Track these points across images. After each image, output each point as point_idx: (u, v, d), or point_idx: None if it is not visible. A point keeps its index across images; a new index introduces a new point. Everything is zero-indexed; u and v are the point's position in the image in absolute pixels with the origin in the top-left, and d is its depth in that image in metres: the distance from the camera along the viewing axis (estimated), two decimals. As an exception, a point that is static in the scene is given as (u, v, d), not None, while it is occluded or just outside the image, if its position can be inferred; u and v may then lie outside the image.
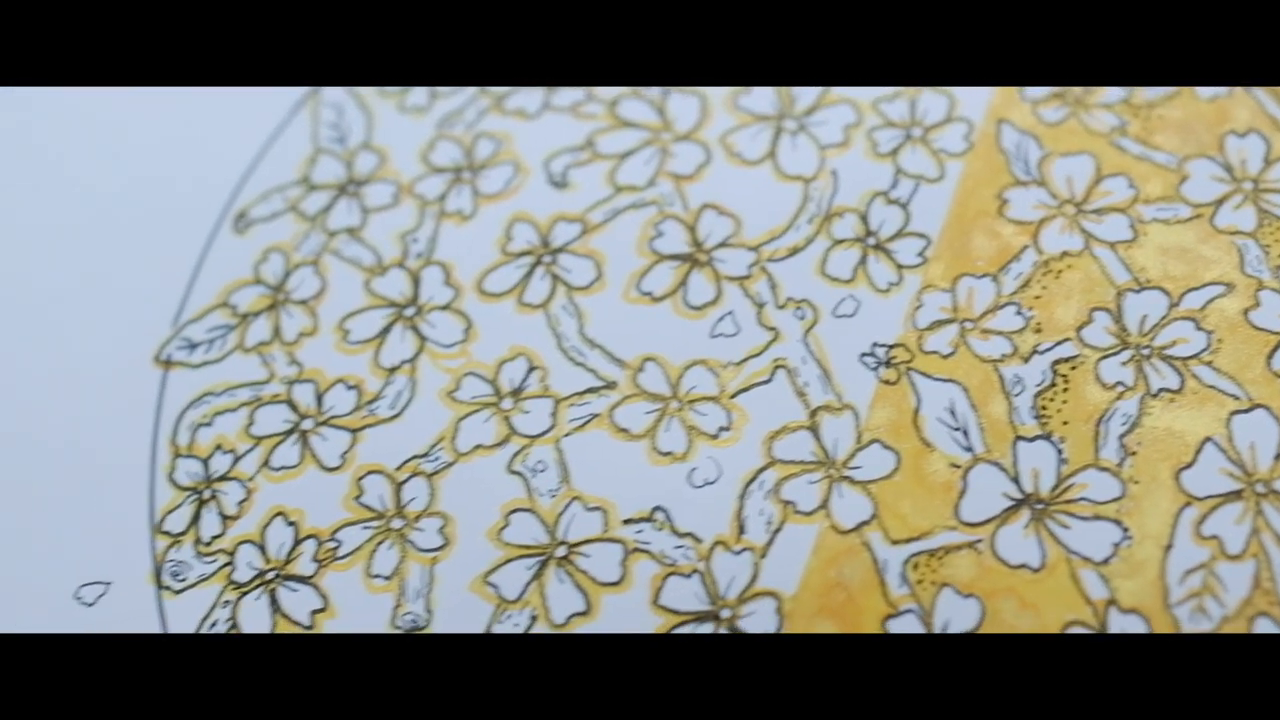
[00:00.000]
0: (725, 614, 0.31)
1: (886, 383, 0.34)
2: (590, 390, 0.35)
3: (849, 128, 0.38)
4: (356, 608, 0.32)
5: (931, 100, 0.38)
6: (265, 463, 0.35)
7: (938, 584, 0.31)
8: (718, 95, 0.39)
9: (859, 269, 0.36)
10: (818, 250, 0.36)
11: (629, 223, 0.37)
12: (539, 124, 0.39)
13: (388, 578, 0.33)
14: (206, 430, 0.35)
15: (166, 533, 0.34)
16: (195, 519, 0.34)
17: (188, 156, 0.40)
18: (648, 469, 0.33)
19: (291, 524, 0.34)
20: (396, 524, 0.33)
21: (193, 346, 0.36)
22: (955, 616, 0.31)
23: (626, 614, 0.32)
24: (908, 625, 0.31)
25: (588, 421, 0.34)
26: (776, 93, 0.39)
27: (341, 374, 0.36)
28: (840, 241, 0.36)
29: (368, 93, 0.40)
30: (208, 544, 0.34)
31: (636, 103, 0.39)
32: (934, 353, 0.34)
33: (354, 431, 0.35)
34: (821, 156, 0.38)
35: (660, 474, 0.33)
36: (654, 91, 0.39)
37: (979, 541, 0.32)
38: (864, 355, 0.34)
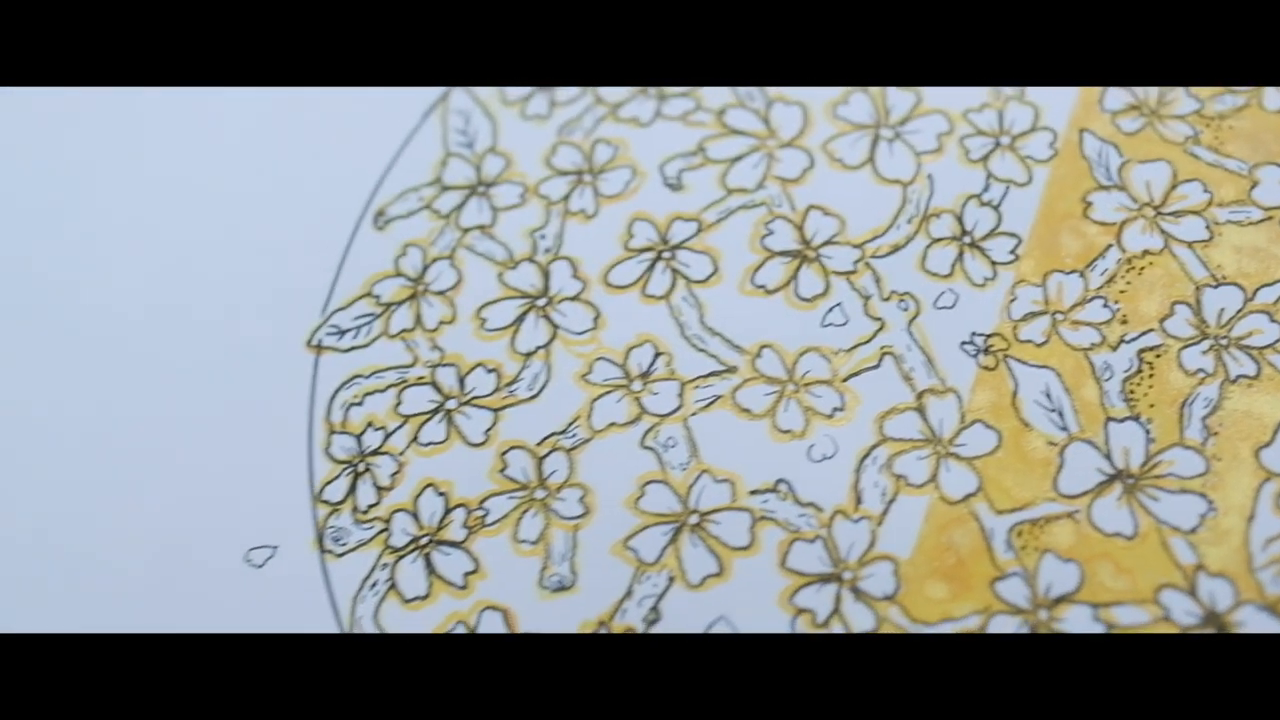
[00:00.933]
0: (847, 575, 0.32)
1: (986, 369, 0.35)
2: (713, 374, 0.36)
3: (942, 135, 0.39)
4: (505, 570, 0.33)
5: (1018, 111, 0.39)
6: (414, 439, 0.35)
7: (1040, 550, 0.32)
8: (817, 105, 0.40)
9: (956, 265, 0.37)
10: (917, 247, 0.37)
11: (741, 222, 0.38)
12: (652, 131, 0.40)
13: (534, 542, 0.34)
14: (357, 409, 0.36)
15: (326, 501, 0.35)
16: (352, 489, 0.35)
17: (330, 159, 0.41)
18: (770, 445, 0.34)
19: (441, 494, 0.35)
20: (539, 494, 0.34)
21: (341, 333, 0.37)
22: (1057, 580, 0.32)
23: (756, 575, 0.33)
24: (1014, 587, 0.32)
25: (712, 402, 0.35)
26: (872, 103, 0.40)
27: (481, 358, 0.37)
28: (938, 240, 0.37)
29: (492, 101, 0.41)
30: (364, 512, 0.35)
31: (742, 112, 0.40)
32: (1028, 341, 0.35)
33: (495, 411, 0.36)
34: (917, 162, 0.38)
35: (781, 450, 0.34)
36: (758, 102, 0.40)
37: (1076, 512, 0.33)
38: (964, 343, 0.35)
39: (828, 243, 0.38)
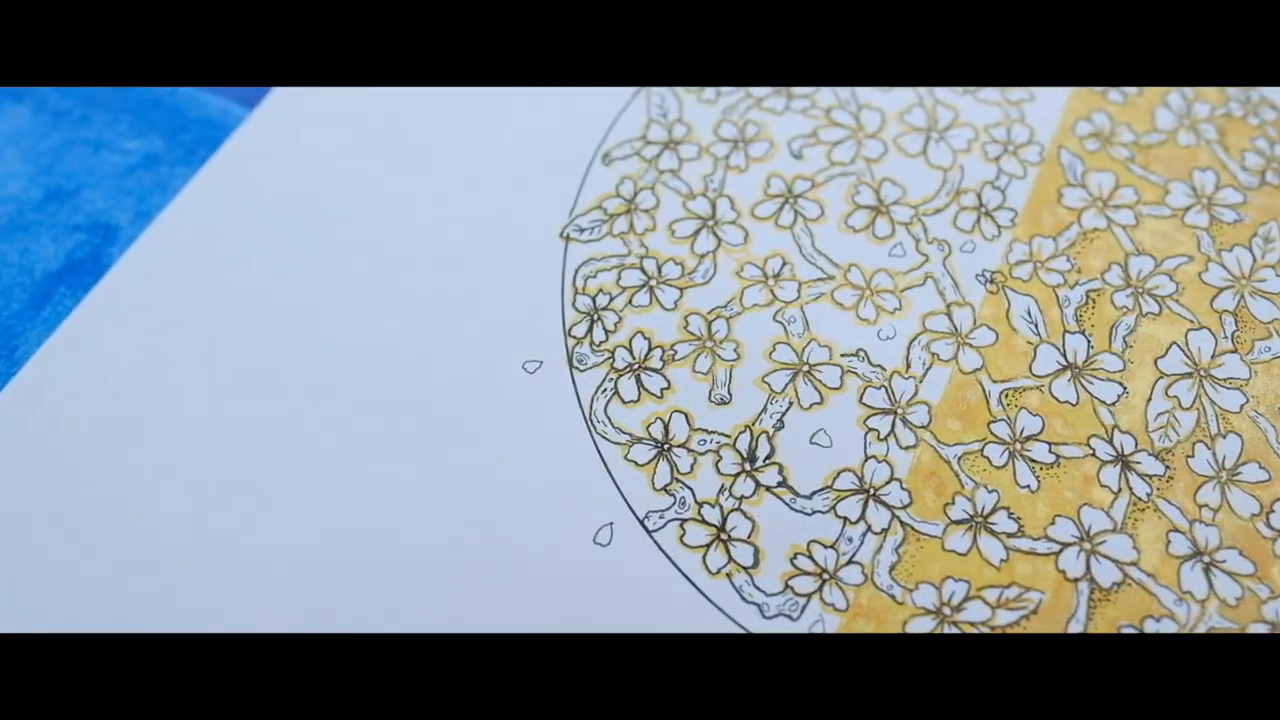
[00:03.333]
0: (899, 411, 0.35)
1: (990, 293, 0.37)
2: (819, 279, 0.38)
3: (970, 141, 0.41)
4: (687, 388, 0.36)
5: (1020, 129, 0.41)
6: (629, 302, 0.37)
7: (1018, 406, 0.35)
8: (891, 112, 0.41)
9: (975, 225, 0.39)
10: (952, 211, 0.39)
11: (839, 184, 0.40)
12: (783, 118, 0.41)
13: (705, 373, 0.36)
14: (593, 280, 0.38)
15: (574, 336, 0.37)
16: (589, 330, 0.37)
17: (577, 122, 0.42)
18: (854, 327, 0.37)
19: (646, 338, 0.37)
20: (709, 344, 0.36)
21: (582, 230, 0.39)
22: (1027, 426, 0.35)
23: (843, 407, 0.35)
24: (1001, 428, 0.35)
25: (819, 297, 0.37)
26: (926, 115, 0.41)
27: (671, 255, 0.38)
28: (965, 208, 0.39)
29: (679, 88, 0.42)
30: (598, 345, 0.36)
31: (842, 112, 0.42)
32: (1018, 278, 0.38)
33: (681, 289, 0.38)
34: (954, 156, 0.41)
35: (861, 330, 0.37)
36: (852, 106, 0.42)
37: (1042, 386, 0.36)
38: (978, 275, 0.38)
39: (895, 203, 0.40)
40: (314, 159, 0.41)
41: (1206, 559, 0.33)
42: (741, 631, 0.32)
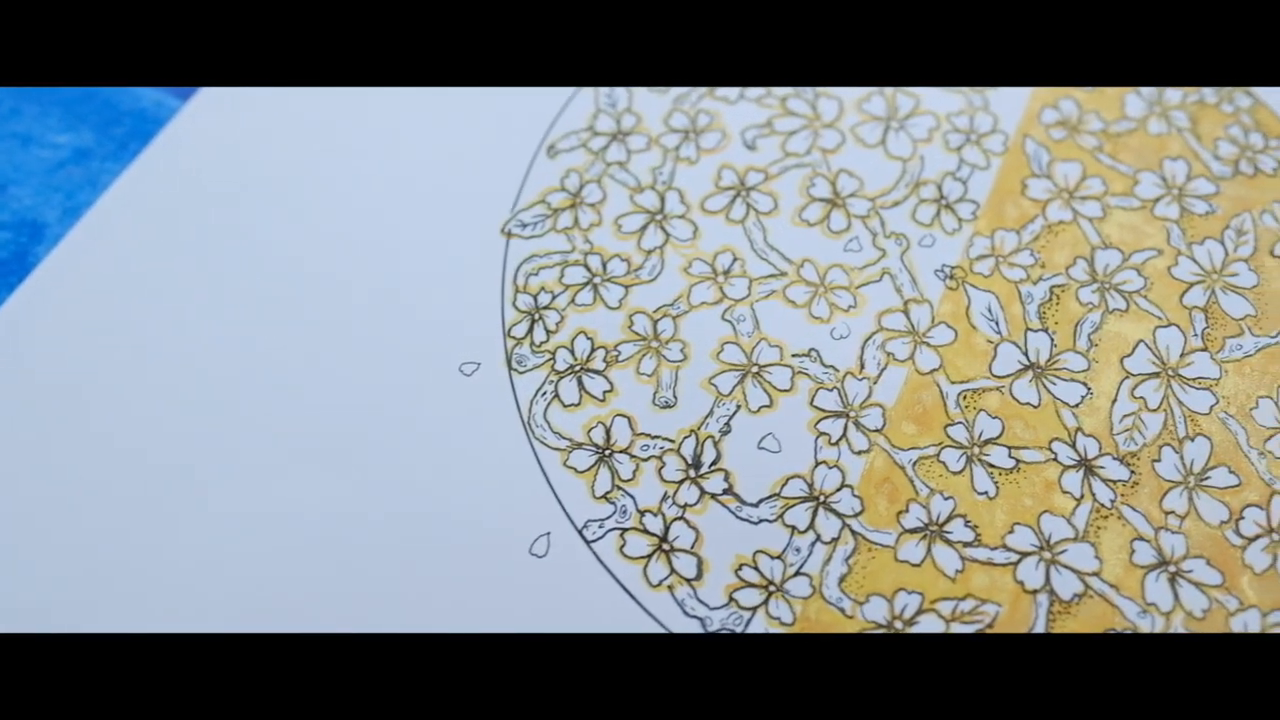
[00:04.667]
0: (852, 414, 0.33)
1: (950, 289, 0.36)
2: (771, 275, 0.36)
3: (931, 130, 0.39)
4: (630, 391, 0.34)
5: (983, 118, 0.39)
6: (572, 300, 0.36)
7: (977, 409, 0.34)
8: (849, 100, 0.40)
9: (935, 218, 0.37)
10: (911, 204, 0.37)
11: (794, 176, 0.38)
12: (737, 107, 0.40)
13: (649, 375, 0.34)
14: (534, 278, 0.36)
15: (513, 336, 0.35)
16: (530, 330, 0.35)
17: (521, 113, 0.40)
18: (806, 326, 0.35)
19: (589, 338, 0.35)
20: (654, 344, 0.35)
21: (524, 226, 0.37)
22: (986, 429, 0.33)
23: (793, 409, 0.34)
24: (958, 431, 0.33)
25: (769, 294, 0.36)
26: (886, 103, 0.40)
27: (617, 251, 0.37)
28: (924, 200, 0.38)
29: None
30: (538, 346, 0.35)
31: (798, 101, 0.40)
32: (979, 273, 0.36)
33: (626, 287, 0.36)
34: (914, 146, 0.39)
35: (814, 329, 0.35)
36: (809, 94, 0.40)
37: (1003, 386, 0.34)
38: (937, 271, 0.36)
39: (852, 195, 0.38)
40: (248, 155, 0.39)
41: (1172, 569, 0.32)
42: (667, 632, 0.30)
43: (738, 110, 0.40)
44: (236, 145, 0.39)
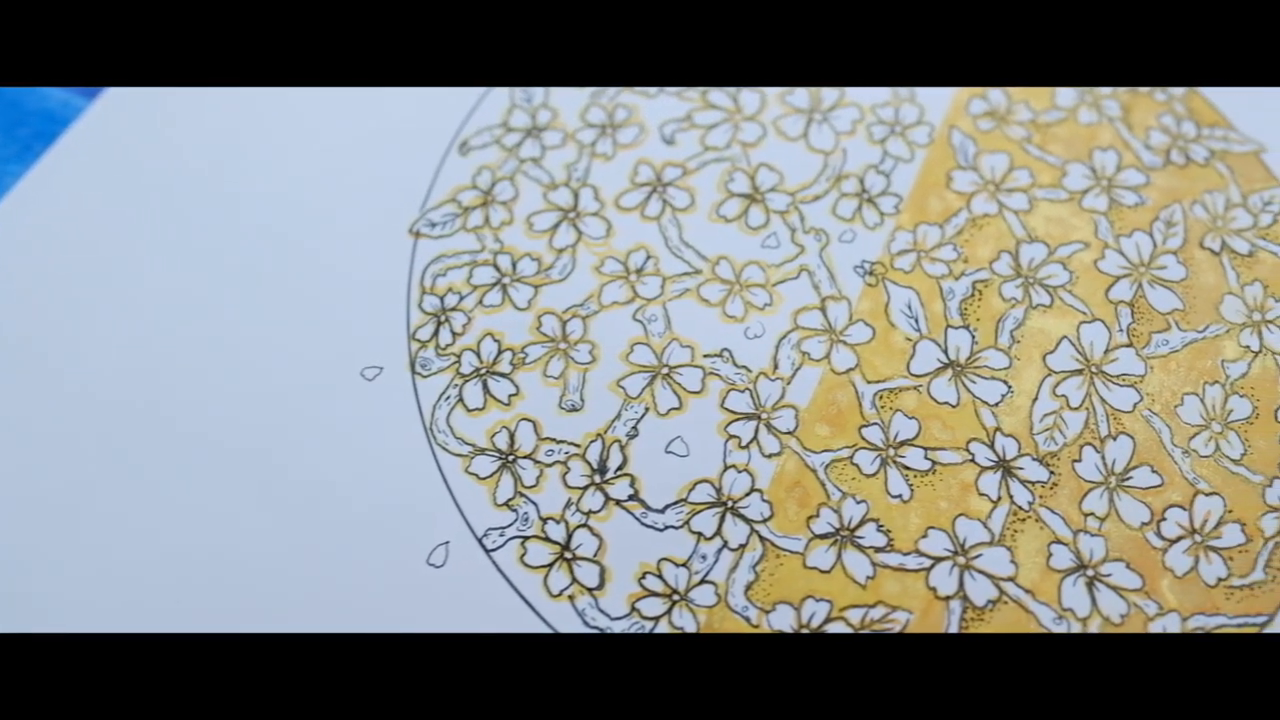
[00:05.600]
0: (764, 416, 0.32)
1: (869, 285, 0.35)
2: (685, 273, 0.35)
3: (855, 122, 0.38)
4: (536, 394, 0.33)
5: (909, 109, 0.38)
6: (480, 301, 0.35)
7: (893, 409, 0.33)
8: (771, 93, 0.39)
9: (857, 213, 0.36)
10: (831, 199, 0.36)
11: (712, 170, 0.37)
12: (656, 100, 0.39)
13: (556, 377, 0.33)
14: (442, 279, 0.35)
15: (418, 340, 0.34)
16: (435, 333, 0.34)
17: (433, 109, 0.38)
18: (720, 325, 0.34)
19: (496, 340, 0.34)
20: (563, 346, 0.34)
21: (433, 225, 0.36)
22: (903, 429, 0.32)
23: (703, 411, 0.32)
24: (874, 432, 0.32)
25: (683, 293, 0.35)
26: (809, 95, 0.39)
27: (528, 250, 0.36)
28: (846, 194, 0.37)
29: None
30: (443, 349, 0.34)
31: (719, 93, 0.39)
32: (900, 269, 0.35)
33: (536, 287, 0.35)
34: (837, 139, 0.38)
35: (728, 328, 0.34)
36: (730, 87, 0.39)
37: (920, 386, 0.33)
38: (856, 267, 0.35)
39: (771, 190, 0.37)
40: (155, 156, 0.38)
41: (1090, 573, 0.31)
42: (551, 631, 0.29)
43: (657, 104, 0.39)
44: (143, 146, 0.38)
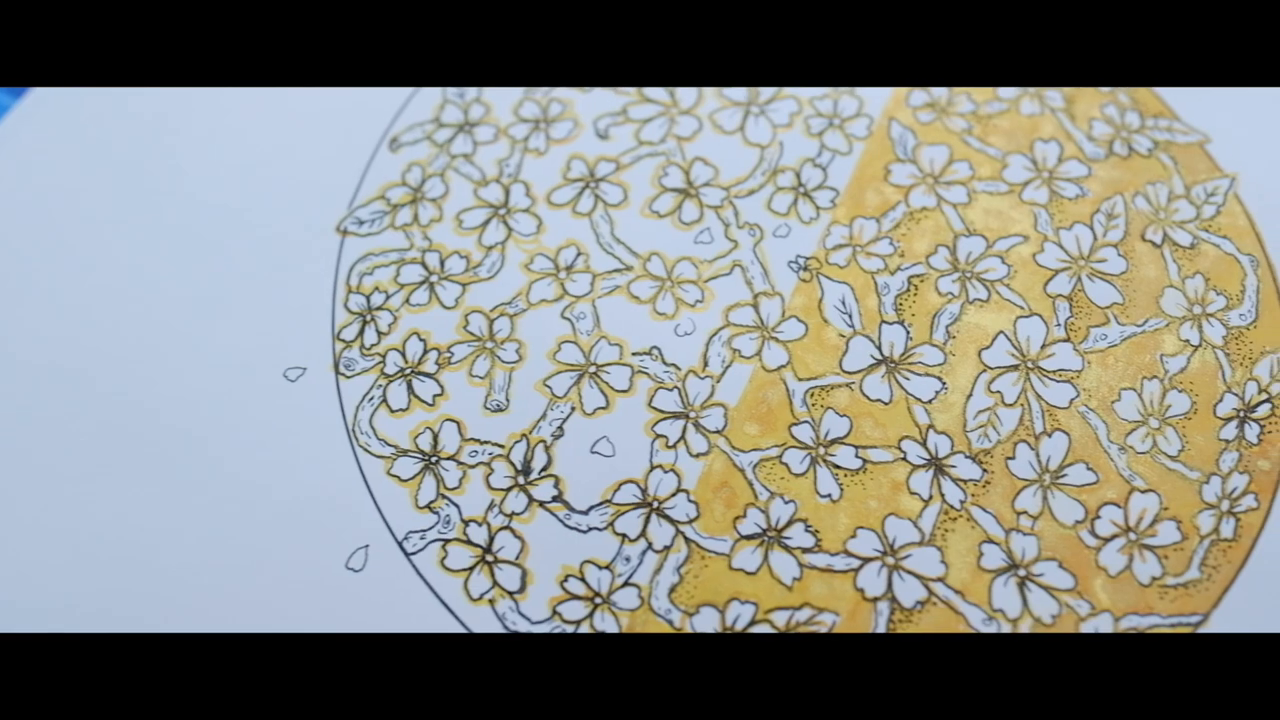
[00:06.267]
0: (692, 414, 0.32)
1: (803, 281, 0.34)
2: (616, 270, 0.35)
3: (793, 114, 0.37)
4: (461, 394, 0.33)
5: (848, 102, 0.37)
6: (406, 300, 0.34)
7: (825, 407, 0.32)
8: (709, 86, 0.38)
9: (792, 207, 0.35)
10: (767, 193, 0.36)
11: (646, 165, 0.37)
12: (591, 95, 0.38)
13: (482, 377, 0.33)
14: (369, 277, 0.35)
15: (342, 340, 0.34)
16: (361, 332, 0.34)
17: (364, 105, 0.38)
18: (649, 322, 0.34)
19: (422, 340, 0.34)
20: (489, 345, 0.33)
21: (361, 223, 0.36)
22: (834, 427, 0.32)
23: (630, 411, 0.32)
24: (804, 431, 0.32)
25: (613, 290, 0.34)
26: (748, 88, 0.38)
27: (457, 248, 0.35)
28: (781, 188, 0.36)
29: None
30: (368, 349, 0.33)
31: (655, 87, 0.38)
32: (835, 264, 0.34)
33: (464, 285, 0.34)
34: (774, 132, 0.37)
35: (657, 326, 0.34)
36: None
37: (853, 383, 0.33)
38: (791, 262, 0.35)
39: (705, 184, 0.36)
40: (82, 155, 0.37)
41: (1022, 572, 0.30)
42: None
43: (592, 98, 0.38)
44: (69, 146, 0.38)
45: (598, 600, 0.30)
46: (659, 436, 0.32)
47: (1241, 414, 0.32)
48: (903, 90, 0.38)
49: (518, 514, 0.31)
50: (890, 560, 0.30)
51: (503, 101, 0.38)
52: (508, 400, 0.33)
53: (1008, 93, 0.38)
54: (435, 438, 0.32)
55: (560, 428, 0.32)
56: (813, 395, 0.33)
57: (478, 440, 0.32)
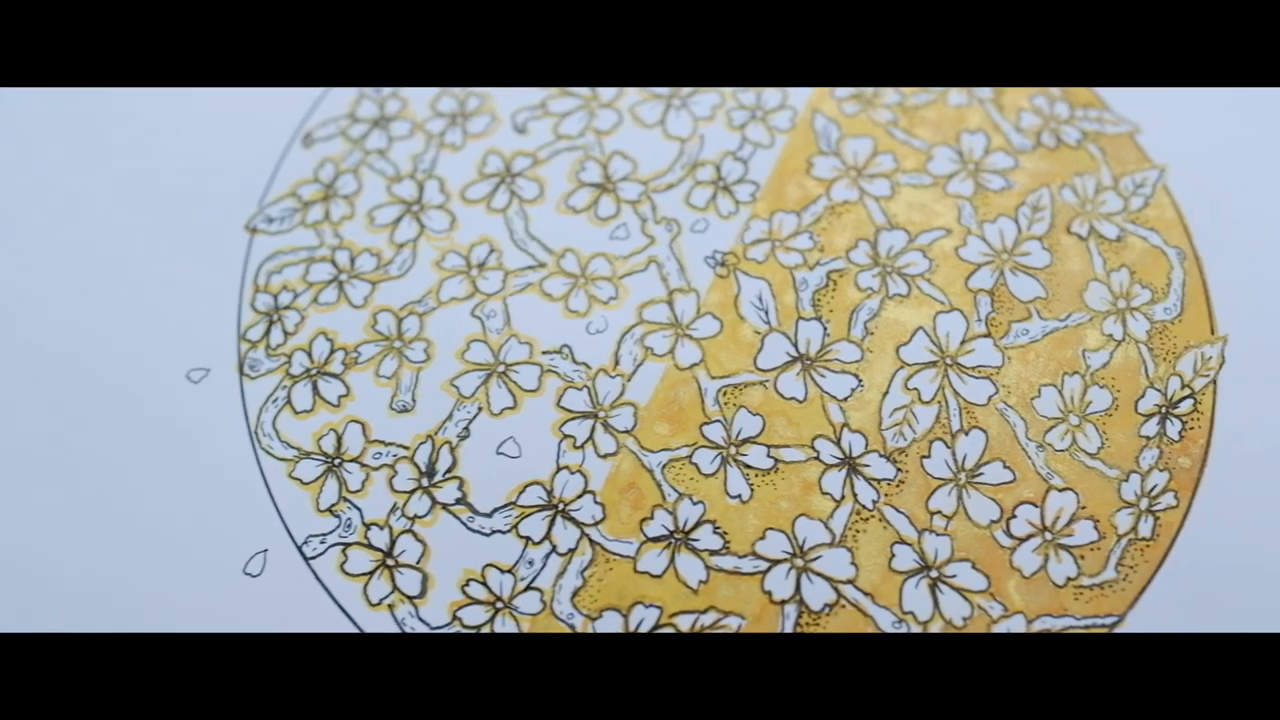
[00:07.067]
0: (601, 414, 0.31)
1: (720, 276, 0.34)
2: (529, 267, 0.34)
3: (715, 107, 0.37)
4: (367, 395, 0.32)
5: (771, 94, 0.37)
6: (314, 299, 0.34)
7: (737, 405, 0.32)
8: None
9: (711, 202, 0.35)
10: (685, 187, 0.35)
11: (564, 160, 0.36)
12: (510, 88, 0.37)
13: (389, 377, 0.32)
14: (277, 276, 0.34)
15: (248, 340, 0.33)
16: (267, 332, 0.33)
17: (278, 100, 0.37)
18: (561, 320, 0.33)
19: (329, 340, 0.33)
20: (397, 344, 0.33)
21: (270, 220, 0.35)
22: (746, 426, 0.31)
23: (540, 410, 0.32)
24: (715, 430, 0.31)
25: (525, 287, 0.34)
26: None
27: (368, 246, 0.35)
28: (700, 182, 0.35)
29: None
30: (274, 349, 0.33)
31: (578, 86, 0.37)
32: (753, 259, 0.34)
33: (373, 284, 0.34)
34: (695, 125, 0.36)
35: (569, 324, 0.33)
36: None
37: (767, 381, 0.32)
38: (707, 258, 0.34)
39: (623, 179, 0.36)
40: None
41: (934, 574, 0.29)
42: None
43: (511, 91, 0.38)
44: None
45: (499, 605, 0.29)
46: (566, 437, 0.32)
47: (1164, 410, 0.31)
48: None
49: (420, 517, 0.31)
50: (799, 562, 0.30)
51: (420, 96, 0.38)
52: (414, 401, 0.32)
53: (936, 83, 0.37)
54: (339, 439, 0.32)
55: (466, 428, 0.32)
56: (725, 394, 0.32)
57: (382, 442, 0.32)
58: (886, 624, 0.29)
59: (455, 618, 0.29)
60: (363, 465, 0.31)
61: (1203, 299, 0.33)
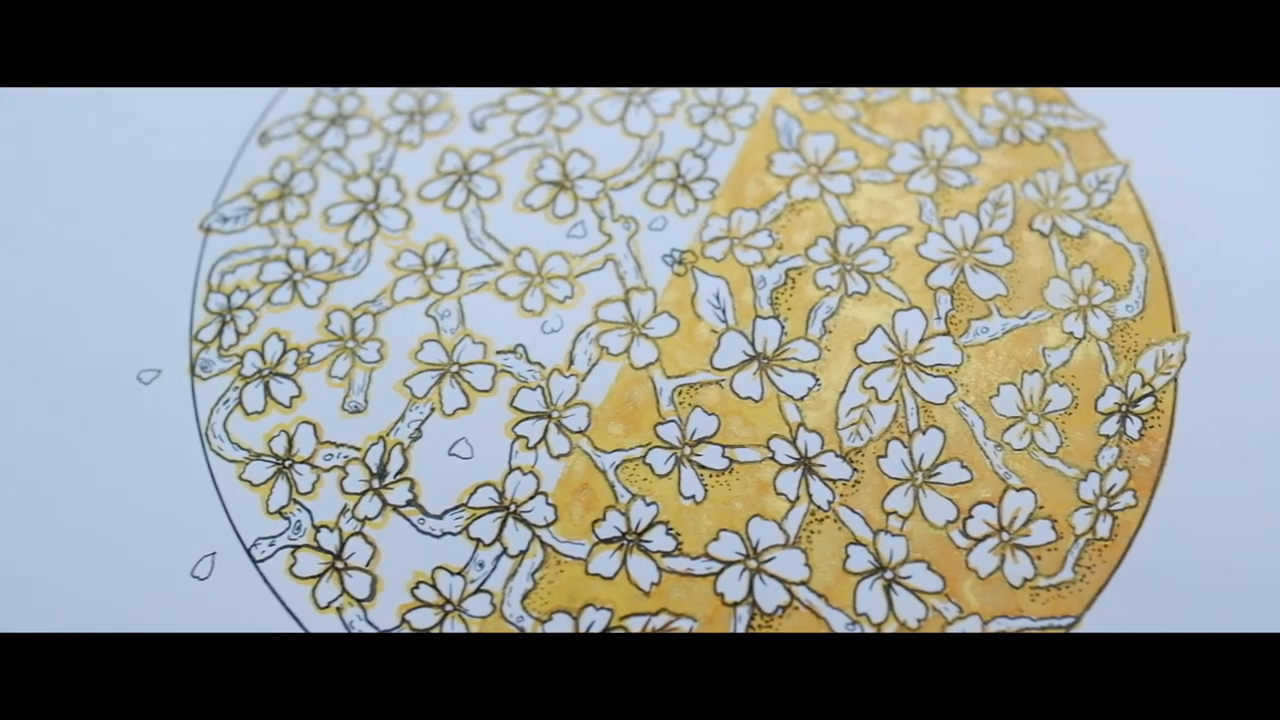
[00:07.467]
0: (555, 414, 0.31)
1: (677, 275, 0.33)
2: (484, 266, 0.34)
3: (675, 104, 0.36)
4: (319, 396, 0.32)
5: (732, 91, 0.37)
6: (268, 299, 0.33)
7: (692, 405, 0.31)
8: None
9: (670, 199, 0.35)
10: (644, 185, 0.35)
11: (522, 157, 0.36)
12: (469, 86, 0.37)
13: (341, 378, 0.32)
14: (230, 276, 0.34)
15: (200, 340, 0.33)
16: (219, 333, 0.33)
17: (233, 99, 0.37)
18: (516, 319, 0.33)
19: (282, 340, 0.33)
20: (350, 344, 0.33)
21: (225, 219, 0.35)
22: (701, 426, 0.31)
23: (491, 411, 0.31)
24: (670, 430, 0.31)
25: (480, 286, 0.33)
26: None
27: (323, 245, 0.34)
28: (659, 180, 0.35)
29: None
30: (226, 349, 0.33)
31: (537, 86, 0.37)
32: (711, 257, 0.34)
33: (328, 283, 0.34)
34: (655, 122, 0.36)
35: (524, 323, 0.33)
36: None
37: (723, 380, 0.32)
38: (665, 256, 0.34)
39: (581, 177, 0.36)
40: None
41: (889, 575, 0.29)
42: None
43: (470, 89, 0.37)
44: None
45: (448, 607, 0.29)
46: (519, 437, 0.31)
47: (1124, 408, 0.31)
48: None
49: (370, 519, 0.30)
50: (753, 564, 0.29)
51: (378, 94, 0.38)
52: (366, 401, 0.32)
53: (899, 79, 0.37)
54: (290, 441, 0.32)
55: (419, 429, 0.31)
56: (681, 393, 0.32)
57: (334, 443, 0.31)
58: (839, 626, 0.29)
59: (404, 620, 0.29)
60: (313, 467, 0.31)
61: (1165, 296, 0.33)
